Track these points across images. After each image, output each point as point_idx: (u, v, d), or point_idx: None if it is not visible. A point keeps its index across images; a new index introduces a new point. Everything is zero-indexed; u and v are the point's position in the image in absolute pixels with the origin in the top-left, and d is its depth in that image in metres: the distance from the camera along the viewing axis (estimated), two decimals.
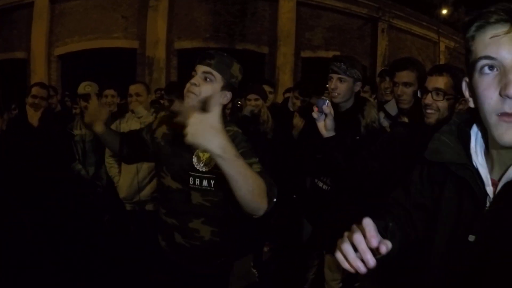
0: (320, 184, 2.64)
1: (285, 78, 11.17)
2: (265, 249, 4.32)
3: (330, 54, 2.64)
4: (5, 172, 3.56)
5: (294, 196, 3.26)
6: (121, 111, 3.84)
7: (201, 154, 1.79)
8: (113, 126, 3.49)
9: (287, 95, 5.54)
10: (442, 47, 14.12)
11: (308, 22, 11.59)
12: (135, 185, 3.37)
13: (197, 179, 1.82)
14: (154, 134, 2.05)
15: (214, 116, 1.19)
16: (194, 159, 1.81)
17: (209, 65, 1.74)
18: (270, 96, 4.45)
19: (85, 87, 3.74)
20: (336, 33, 11.87)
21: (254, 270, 3.95)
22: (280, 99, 6.79)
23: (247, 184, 1.29)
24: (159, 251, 2.06)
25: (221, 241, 1.93)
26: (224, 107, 1.92)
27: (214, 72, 1.74)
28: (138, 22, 10.79)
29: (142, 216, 3.42)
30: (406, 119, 2.44)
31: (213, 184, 1.81)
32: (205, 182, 1.81)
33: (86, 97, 3.68)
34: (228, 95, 1.81)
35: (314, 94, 4.20)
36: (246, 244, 4.05)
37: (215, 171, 1.73)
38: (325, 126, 2.14)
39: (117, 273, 3.60)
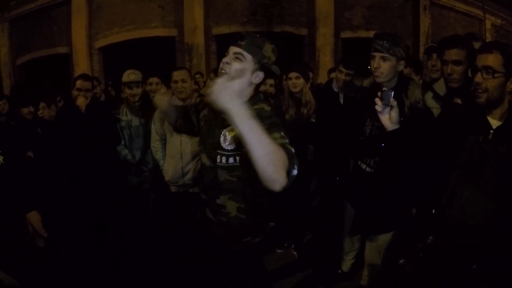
0: (364, 167, 2.58)
1: (326, 60, 10.94)
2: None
3: (371, 34, 2.57)
4: (55, 158, 3.70)
5: (337, 179, 3.20)
6: None
7: (227, 133, 1.90)
8: (157, 112, 3.57)
9: (332, 75, 5.44)
10: (488, 24, 13.29)
11: (347, 1, 11.23)
12: (179, 170, 3.42)
13: (223, 157, 1.91)
14: (199, 115, 2.19)
15: (236, 84, 1.30)
16: (221, 138, 1.91)
17: (239, 46, 1.81)
18: None
19: (129, 75, 3.81)
20: (376, 12, 11.47)
21: (295, 252, 3.94)
22: (323, 80, 6.67)
23: (262, 146, 1.27)
24: (199, 228, 2.19)
25: (247, 218, 1.98)
26: (258, 86, 1.96)
27: (244, 53, 1.80)
28: (175, 10, 10.86)
29: (186, 198, 3.48)
30: (459, 100, 2.33)
31: (239, 160, 1.89)
32: (231, 159, 1.90)
33: (131, 84, 3.74)
34: (260, 75, 1.87)
35: (357, 74, 4.09)
36: (287, 226, 4.06)
37: (239, 149, 1.85)
38: (389, 118, 2.03)
39: (162, 250, 3.71)
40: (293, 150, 1.52)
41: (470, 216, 1.72)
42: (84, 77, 3.88)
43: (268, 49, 1.85)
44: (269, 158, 1.29)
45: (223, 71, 1.82)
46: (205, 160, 2.06)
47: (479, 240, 1.75)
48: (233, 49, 1.83)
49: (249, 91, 1.90)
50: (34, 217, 2.73)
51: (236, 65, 1.80)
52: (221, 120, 1.92)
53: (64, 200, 3.66)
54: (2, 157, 2.60)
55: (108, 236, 3.75)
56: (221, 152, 1.91)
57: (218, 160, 1.93)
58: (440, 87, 2.62)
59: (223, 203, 1.98)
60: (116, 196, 3.77)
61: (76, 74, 7.68)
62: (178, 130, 2.43)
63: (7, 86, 10.73)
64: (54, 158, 3.76)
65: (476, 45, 2.30)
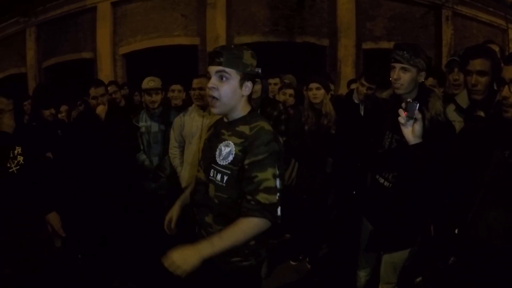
0: (382, 181, 2.48)
1: (347, 71, 10.85)
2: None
3: (392, 45, 2.52)
4: (74, 161, 3.75)
5: (354, 192, 3.12)
6: (185, 105, 3.91)
7: (222, 148, 1.84)
8: (177, 119, 3.57)
9: (352, 86, 5.39)
10: (511, 34, 13.14)
11: (368, 12, 11.17)
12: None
13: (215, 172, 1.86)
14: (206, 136, 2.15)
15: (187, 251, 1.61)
16: (217, 152, 1.86)
17: (219, 63, 1.74)
18: None
19: (148, 82, 3.84)
20: (398, 23, 11.36)
21: (309, 266, 3.89)
22: (342, 91, 6.62)
23: (243, 241, 1.68)
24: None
25: None
26: (249, 97, 1.90)
27: (227, 69, 1.74)
28: (198, 19, 10.98)
29: None
30: (482, 113, 2.24)
31: (225, 180, 1.81)
32: (219, 176, 1.84)
33: (150, 91, 3.77)
34: (249, 84, 1.82)
35: (379, 87, 4.04)
36: (302, 239, 4.01)
37: (230, 167, 1.79)
38: (412, 132, 1.95)
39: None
40: (277, 196, 1.69)
41: (497, 237, 1.61)
42: (95, 84, 3.89)
43: (247, 56, 1.79)
44: (247, 238, 1.70)
45: (213, 97, 1.77)
46: (200, 175, 2.01)
47: (506, 263, 1.63)
48: (214, 69, 1.76)
49: (242, 105, 1.86)
50: (53, 218, 2.80)
51: (225, 89, 1.75)
52: (220, 134, 1.91)
53: (80, 202, 3.70)
54: (22, 157, 2.64)
55: (121, 240, 3.76)
56: (215, 166, 1.86)
57: (211, 175, 1.88)
58: (463, 99, 2.54)
59: (210, 222, 1.91)
60: (131, 201, 3.78)
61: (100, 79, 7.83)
62: None
63: (32, 88, 10.96)
64: (73, 161, 3.81)
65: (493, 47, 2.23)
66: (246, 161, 1.73)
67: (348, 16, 10.96)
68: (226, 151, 1.81)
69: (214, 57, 1.75)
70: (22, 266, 2.62)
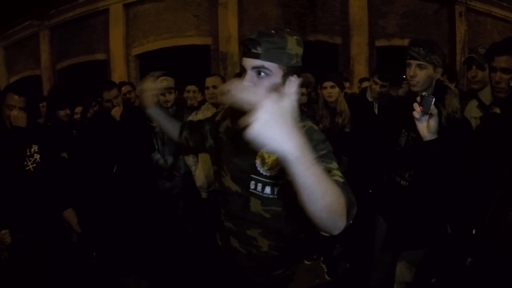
0: (398, 179, 2.44)
1: (360, 69, 10.77)
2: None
3: (406, 42, 2.48)
4: (87, 162, 3.80)
5: (370, 191, 3.09)
6: (200, 105, 3.93)
7: (266, 155, 1.52)
8: (190, 117, 3.58)
9: (364, 84, 5.34)
10: None
11: (380, 9, 11.06)
12: (211, 176, 3.42)
13: (259, 184, 1.55)
14: (218, 128, 1.81)
15: (287, 106, 0.91)
16: (258, 161, 1.54)
17: (257, 56, 1.35)
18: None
19: (161, 82, 3.84)
20: (411, 19, 11.22)
21: (324, 265, 3.87)
22: (355, 90, 6.57)
23: (325, 199, 0.97)
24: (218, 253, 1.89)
25: (279, 254, 1.68)
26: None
27: (267, 63, 1.35)
28: (210, 19, 11.01)
29: (216, 205, 3.46)
30: (497, 110, 2.18)
31: (277, 192, 1.54)
32: (267, 189, 1.54)
33: (163, 91, 3.79)
34: (294, 79, 1.40)
35: (392, 84, 3.99)
36: (317, 238, 3.99)
37: (281, 176, 1.48)
38: (427, 127, 1.92)
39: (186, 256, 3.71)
40: (353, 197, 1.19)
41: None
42: (107, 87, 3.93)
43: (292, 44, 1.38)
44: (331, 209, 1.00)
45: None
46: (229, 183, 1.68)
47: None
48: (250, 62, 1.37)
49: None
50: (70, 214, 2.86)
51: (264, 87, 1.36)
52: None
53: (95, 201, 3.75)
54: (38, 155, 2.69)
55: (135, 238, 3.79)
56: (257, 177, 1.55)
57: (252, 187, 1.56)
58: (486, 96, 2.48)
59: (254, 236, 1.64)
60: (146, 200, 3.81)
61: (113, 80, 7.90)
62: (183, 146, 2.11)
63: (47, 90, 11.11)
64: (88, 161, 3.86)
65: None
66: None
67: (360, 13, 10.88)
68: (272, 159, 1.50)
69: (250, 47, 1.37)
70: (38, 263, 2.66)
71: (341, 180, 1.24)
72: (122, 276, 3.67)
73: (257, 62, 1.35)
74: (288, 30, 1.42)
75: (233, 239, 1.72)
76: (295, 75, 1.41)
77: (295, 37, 1.40)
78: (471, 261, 1.74)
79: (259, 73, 1.37)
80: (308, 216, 1.02)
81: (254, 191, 1.57)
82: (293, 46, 1.39)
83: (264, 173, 1.53)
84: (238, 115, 1.55)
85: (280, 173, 1.47)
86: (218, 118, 1.85)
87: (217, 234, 1.89)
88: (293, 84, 1.36)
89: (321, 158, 1.31)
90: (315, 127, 1.51)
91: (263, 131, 0.86)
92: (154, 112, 2.01)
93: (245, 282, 1.75)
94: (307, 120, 1.53)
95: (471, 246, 1.74)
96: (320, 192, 0.96)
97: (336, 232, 1.09)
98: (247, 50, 1.38)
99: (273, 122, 0.86)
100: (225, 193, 1.73)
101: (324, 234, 1.13)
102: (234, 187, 1.65)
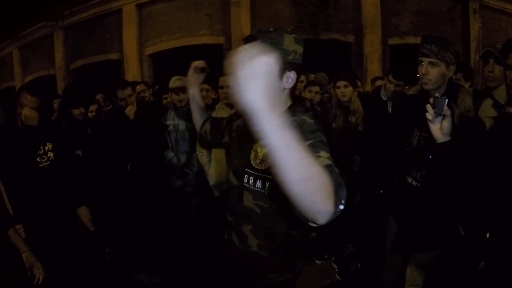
0: (410, 180, 2.40)
1: (373, 68, 10.67)
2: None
3: (419, 40, 2.43)
4: (101, 160, 3.85)
5: (381, 192, 3.05)
6: (214, 104, 3.96)
7: (259, 149, 1.56)
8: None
9: (377, 83, 5.31)
10: None
11: (394, 7, 10.94)
12: (224, 175, 3.42)
13: (251, 178, 1.60)
14: (232, 126, 1.90)
15: (266, 59, 0.88)
16: (252, 154, 1.60)
17: None
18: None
19: (175, 81, 3.88)
20: (425, 17, 11.07)
21: (335, 265, 3.86)
22: (368, 88, 6.53)
23: (300, 168, 0.86)
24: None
25: (269, 257, 1.66)
26: (292, 89, 1.58)
27: None
28: (222, 18, 11.03)
29: None
30: (511, 109, 2.11)
31: (267, 186, 1.55)
32: (258, 183, 1.57)
33: (177, 90, 3.81)
34: (291, 75, 1.47)
35: (407, 83, 3.96)
36: (329, 237, 3.98)
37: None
38: (441, 129, 1.89)
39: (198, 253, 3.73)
40: (341, 179, 1.07)
41: None
42: (121, 85, 3.98)
43: (289, 41, 1.45)
44: (309, 184, 0.89)
45: None
46: (231, 178, 1.76)
47: None
48: None
49: (283, 98, 1.55)
50: (83, 212, 2.90)
51: None
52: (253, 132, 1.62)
53: (109, 198, 3.79)
54: (52, 153, 2.73)
55: (148, 235, 3.83)
56: (249, 171, 1.60)
57: (245, 180, 1.62)
58: (501, 95, 2.43)
59: (246, 233, 1.69)
60: (159, 198, 3.84)
61: (127, 80, 7.96)
62: (202, 140, 2.13)
63: (61, 89, 11.24)
64: (102, 159, 3.91)
65: None
66: None
67: (373, 11, 10.78)
68: (264, 152, 1.50)
69: (247, 43, 1.41)
70: (53, 259, 2.70)
71: (328, 162, 1.16)
72: (135, 272, 3.71)
73: None
74: (288, 29, 1.50)
75: (234, 234, 1.78)
76: (293, 71, 1.47)
77: (293, 35, 1.48)
78: (484, 264, 1.71)
79: None
80: (289, 199, 0.92)
81: (246, 185, 1.62)
82: (290, 43, 1.46)
83: (256, 167, 1.57)
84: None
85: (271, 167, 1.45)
86: (234, 117, 1.93)
87: (226, 229, 1.93)
88: (291, 81, 1.47)
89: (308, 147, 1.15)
90: (309, 120, 1.49)
91: (236, 68, 0.85)
92: (193, 95, 2.13)
93: (246, 284, 1.76)
94: (304, 115, 1.52)
95: (484, 249, 1.71)
96: (293, 158, 0.86)
97: (322, 218, 0.96)
98: None
99: (249, 77, 0.85)
100: (228, 188, 1.81)
101: (312, 224, 1.01)
102: (234, 181, 1.72)
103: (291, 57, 1.45)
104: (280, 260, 1.68)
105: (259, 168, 1.57)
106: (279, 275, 1.71)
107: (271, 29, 1.48)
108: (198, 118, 2.15)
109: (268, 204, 1.58)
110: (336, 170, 1.13)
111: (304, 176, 0.88)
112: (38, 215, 2.64)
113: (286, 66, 1.44)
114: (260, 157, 1.56)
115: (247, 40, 1.43)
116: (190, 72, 2.15)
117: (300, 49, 1.49)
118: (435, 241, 2.40)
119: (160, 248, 3.83)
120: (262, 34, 1.45)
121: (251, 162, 1.59)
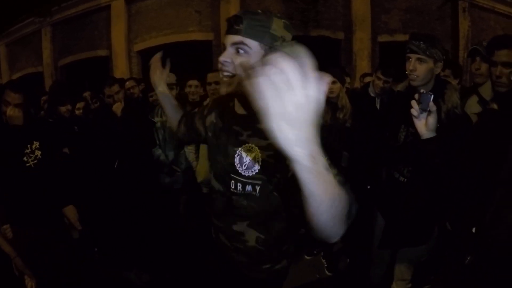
0: (397, 175, 2.41)
1: (363, 65, 10.73)
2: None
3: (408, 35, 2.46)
4: (88, 157, 3.81)
5: (369, 187, 3.06)
6: (202, 101, 3.92)
7: (244, 153, 1.43)
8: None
9: (367, 79, 5.33)
10: None
11: (383, 5, 10.99)
12: None
13: (238, 184, 1.46)
14: (205, 122, 1.73)
15: (309, 105, 0.71)
16: (236, 159, 1.45)
17: (237, 32, 1.28)
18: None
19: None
20: (414, 15, 11.14)
21: (324, 260, 3.87)
22: (357, 85, 6.55)
23: (328, 201, 0.84)
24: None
25: (267, 249, 1.59)
26: None
27: (247, 40, 1.28)
28: (212, 15, 10.99)
29: None
30: (495, 106, 2.13)
31: (258, 189, 1.43)
32: (248, 187, 1.45)
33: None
34: None
35: (395, 80, 3.98)
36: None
37: (260, 177, 1.40)
38: (426, 125, 1.90)
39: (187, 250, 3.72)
40: (352, 194, 1.04)
41: None
42: (109, 83, 3.96)
43: (278, 25, 1.31)
44: (333, 212, 0.88)
45: (225, 75, 1.37)
46: (213, 182, 1.62)
47: None
48: (229, 39, 1.32)
49: None
50: (70, 211, 2.86)
51: (242, 64, 1.29)
52: (234, 133, 1.49)
53: (96, 196, 3.76)
54: (40, 152, 2.69)
55: (137, 233, 3.81)
56: (236, 177, 1.46)
57: (232, 187, 1.48)
58: (486, 91, 2.46)
59: (241, 230, 1.56)
60: (147, 195, 3.82)
61: (115, 76, 7.89)
62: (181, 141, 2.03)
63: (49, 86, 11.14)
64: (89, 156, 3.87)
65: None
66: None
67: (363, 8, 10.82)
68: (249, 158, 1.41)
69: (233, 24, 1.31)
70: (40, 259, 2.67)
71: (341, 178, 1.12)
72: (124, 270, 3.69)
73: (237, 38, 1.29)
74: (278, 14, 1.36)
75: (221, 235, 1.68)
76: None
77: (283, 20, 1.34)
78: (470, 259, 1.73)
79: (238, 51, 1.31)
80: (310, 225, 0.91)
81: (234, 191, 1.48)
82: (279, 28, 1.32)
83: (243, 173, 1.44)
84: (222, 110, 1.62)
85: (258, 174, 1.40)
86: (205, 112, 1.78)
87: (211, 229, 1.85)
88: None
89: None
90: None
91: (277, 128, 0.71)
92: (162, 93, 2.06)
93: (240, 277, 1.71)
94: None
95: (470, 244, 1.72)
96: (329, 202, 0.85)
97: (335, 239, 0.99)
98: (229, 27, 1.33)
99: (290, 121, 0.71)
100: (211, 191, 1.69)
101: (320, 239, 1.01)
102: (217, 185, 1.59)
103: (278, 43, 1.31)
104: (277, 250, 1.63)
105: (246, 175, 1.44)
106: (274, 264, 1.66)
107: (259, 10, 1.33)
108: (172, 118, 2.03)
109: (262, 204, 1.47)
110: (347, 184, 1.08)
111: (332, 204, 0.86)
112: (26, 214, 2.61)
113: (271, 52, 1.23)
114: (247, 162, 1.42)
115: (232, 19, 1.31)
116: (152, 71, 2.08)
117: (288, 36, 1.35)
118: (422, 237, 2.41)
119: (149, 246, 3.81)
120: (249, 14, 1.30)
121: (237, 168, 1.45)
